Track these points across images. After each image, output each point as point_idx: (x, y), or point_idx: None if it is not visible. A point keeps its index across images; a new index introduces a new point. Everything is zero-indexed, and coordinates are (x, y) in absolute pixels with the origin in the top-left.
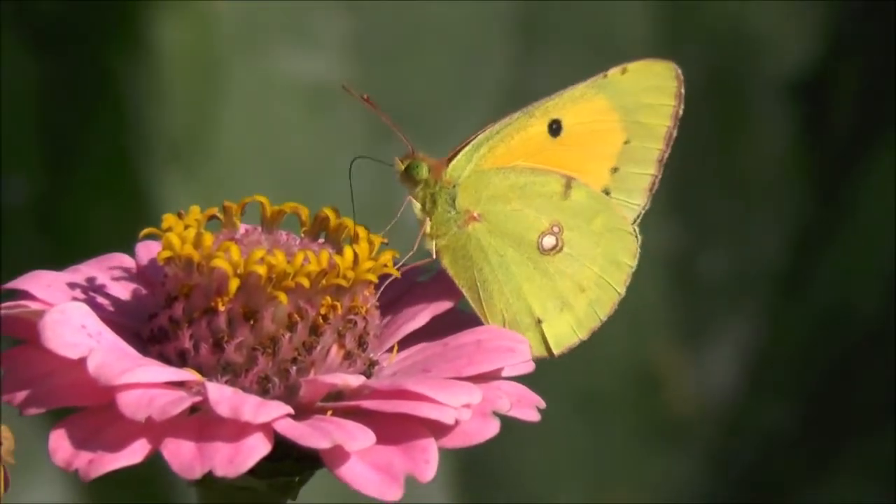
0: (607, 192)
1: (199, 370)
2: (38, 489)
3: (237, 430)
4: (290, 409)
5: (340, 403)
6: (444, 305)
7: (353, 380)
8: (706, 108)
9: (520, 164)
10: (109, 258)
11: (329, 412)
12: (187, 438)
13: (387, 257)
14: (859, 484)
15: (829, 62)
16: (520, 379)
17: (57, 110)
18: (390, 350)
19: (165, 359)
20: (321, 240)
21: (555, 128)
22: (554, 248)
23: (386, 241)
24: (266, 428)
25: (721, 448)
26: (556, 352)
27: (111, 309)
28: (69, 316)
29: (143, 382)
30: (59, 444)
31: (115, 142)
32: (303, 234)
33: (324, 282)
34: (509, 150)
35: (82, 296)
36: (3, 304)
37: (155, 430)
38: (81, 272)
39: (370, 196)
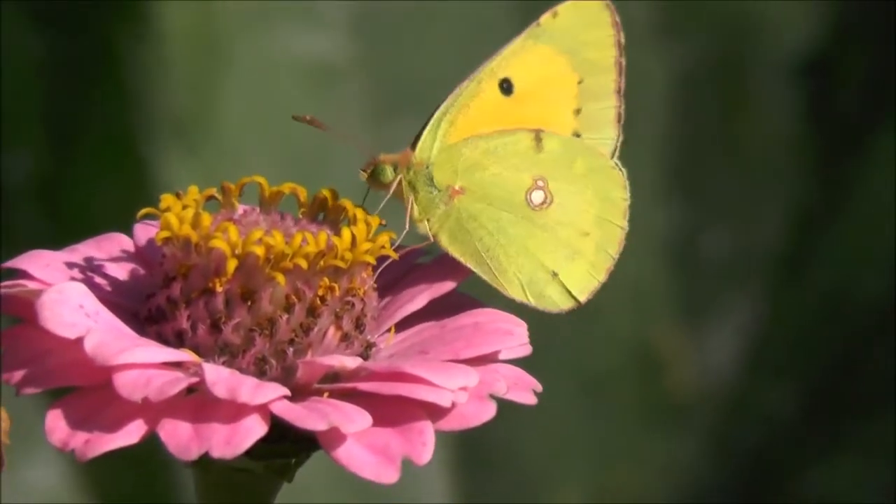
0: (577, 135)
1: (197, 351)
2: (37, 468)
3: (234, 411)
4: (286, 391)
5: (337, 385)
6: (442, 288)
7: (350, 361)
8: (710, 89)
9: (484, 130)
10: (107, 238)
11: (326, 394)
12: (184, 419)
13: (384, 239)
14: (860, 466)
15: (833, 44)
16: (521, 361)
17: (59, 87)
18: (388, 332)
19: (163, 339)
20: (320, 221)
21: (506, 86)
22: (544, 201)
23: (384, 222)
24: (263, 409)
25: (722, 430)
26: (581, 299)
27: (109, 289)
28: (67, 296)
29: (140, 363)
30: (56, 423)
31: (117, 119)
32: (301, 215)
33: (322, 263)
34: (469, 119)
35: (80, 276)
36: (2, 284)
37: (151, 410)
38: (79, 252)
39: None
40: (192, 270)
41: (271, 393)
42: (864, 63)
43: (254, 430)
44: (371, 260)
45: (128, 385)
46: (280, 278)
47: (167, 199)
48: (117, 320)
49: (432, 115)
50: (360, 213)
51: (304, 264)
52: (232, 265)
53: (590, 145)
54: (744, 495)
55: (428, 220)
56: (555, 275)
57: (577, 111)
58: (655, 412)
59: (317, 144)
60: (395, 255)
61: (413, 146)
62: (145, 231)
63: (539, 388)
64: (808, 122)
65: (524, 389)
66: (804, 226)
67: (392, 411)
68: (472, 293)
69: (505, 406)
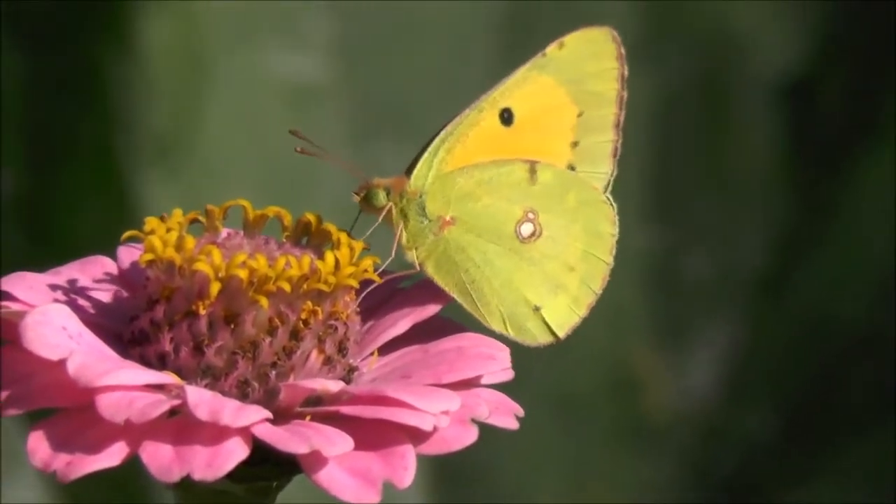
0: (572, 167)
1: (179, 373)
2: (20, 489)
3: (216, 433)
4: (268, 414)
5: (319, 408)
6: (425, 312)
7: (333, 385)
8: (692, 110)
9: (480, 160)
10: (91, 261)
11: (308, 417)
12: (166, 441)
13: (368, 263)
14: (839, 490)
15: (815, 65)
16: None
17: (43, 107)
18: (370, 356)
19: (146, 361)
20: (303, 245)
21: (506, 116)
22: (533, 234)
23: (367, 246)
24: (245, 432)
25: (700, 452)
26: (560, 334)
27: (92, 311)
28: (50, 317)
29: (123, 385)
30: (38, 445)
31: (100, 138)
32: (285, 239)
33: (305, 286)
34: (466, 148)
35: (64, 298)
36: None
37: (134, 432)
38: (63, 274)
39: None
40: (175, 293)
41: (253, 416)
42: (846, 86)
43: (235, 452)
44: (354, 284)
45: (110, 407)
46: (263, 301)
47: (151, 222)
48: (100, 342)
49: (430, 142)
50: (343, 237)
51: (287, 288)
52: (215, 288)
53: (583, 178)
54: None
55: (416, 249)
56: (537, 309)
57: (575, 144)
58: (633, 434)
59: (298, 165)
60: (378, 280)
61: (408, 172)
62: (129, 254)
63: (521, 412)
64: (789, 145)
65: (506, 414)
66: (784, 248)
67: (374, 435)
68: (455, 317)
69: (482, 427)
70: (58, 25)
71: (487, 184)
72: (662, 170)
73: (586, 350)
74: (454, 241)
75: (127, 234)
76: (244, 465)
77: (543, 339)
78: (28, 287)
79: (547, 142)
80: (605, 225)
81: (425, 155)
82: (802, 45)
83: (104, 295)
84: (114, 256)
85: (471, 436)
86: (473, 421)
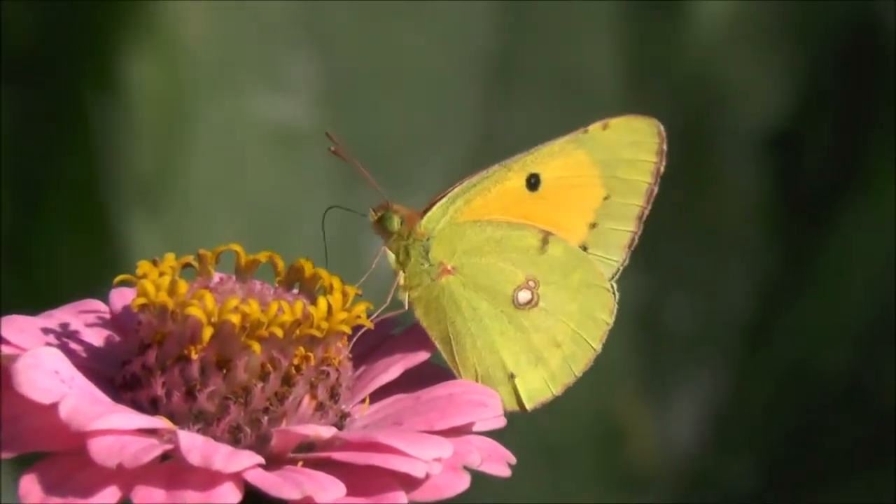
0: (585, 248)
1: (171, 418)
2: None
3: (208, 478)
4: (261, 459)
5: (312, 454)
6: (417, 358)
7: (325, 431)
8: (676, 159)
9: (496, 217)
10: (83, 304)
11: (300, 463)
12: (158, 486)
13: (360, 309)
14: None
15: (799, 116)
16: (489, 433)
17: (26, 146)
18: (362, 402)
19: (138, 406)
20: (295, 290)
21: (533, 182)
22: (529, 302)
23: (360, 292)
24: (237, 477)
25: (684, 501)
26: (528, 406)
27: (84, 355)
28: (42, 361)
29: (115, 429)
30: (31, 488)
31: (83, 179)
32: (277, 284)
33: (297, 332)
34: (486, 203)
35: (55, 341)
36: None
37: (126, 476)
38: (55, 317)
39: (339, 242)
40: (167, 338)
41: (246, 461)
42: (830, 137)
43: (227, 497)
44: (347, 330)
45: (102, 451)
46: (256, 347)
47: (143, 266)
48: (92, 386)
49: (450, 188)
50: (336, 283)
51: (279, 333)
52: (207, 333)
53: (592, 261)
54: None
55: (410, 289)
56: (512, 377)
57: (593, 225)
58: (616, 483)
59: (280, 209)
60: (370, 325)
61: (423, 213)
62: (121, 297)
63: (513, 460)
64: (773, 195)
65: (498, 461)
66: (767, 298)
67: (366, 481)
68: (445, 363)
69: (475, 474)
70: (42, 64)
71: (497, 242)
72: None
73: (570, 398)
74: (449, 290)
75: (119, 278)
76: None
77: (510, 406)
78: (20, 330)
79: (566, 216)
80: (603, 312)
81: (443, 200)
82: (787, 96)
83: (96, 339)
84: (98, 297)
85: (463, 483)
86: (465, 468)
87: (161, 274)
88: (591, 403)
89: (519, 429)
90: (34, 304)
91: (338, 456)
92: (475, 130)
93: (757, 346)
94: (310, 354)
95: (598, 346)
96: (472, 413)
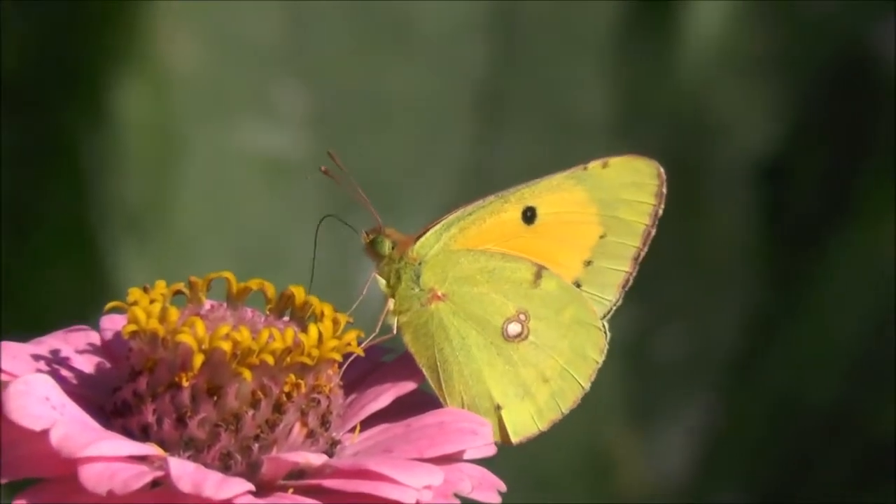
0: (578, 285)
1: (162, 445)
2: None
3: None
4: (251, 486)
5: (302, 482)
6: (407, 386)
7: (315, 458)
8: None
9: (491, 247)
10: (74, 331)
11: (290, 490)
12: None
13: (351, 336)
14: None
15: (788, 146)
16: (479, 461)
17: (14, 175)
18: (353, 429)
19: (128, 433)
20: (286, 317)
21: (529, 215)
22: (519, 335)
23: (351, 320)
24: None
25: None
26: (514, 440)
27: (75, 381)
28: (33, 387)
29: (106, 455)
30: None
31: (71, 208)
32: (268, 312)
33: (288, 359)
34: (481, 232)
35: (46, 368)
36: None
37: (116, 503)
38: (46, 344)
39: (328, 268)
40: (158, 365)
41: (236, 488)
42: (819, 167)
43: None
44: (338, 357)
45: (93, 478)
46: (247, 374)
47: (134, 293)
48: (83, 413)
49: (446, 216)
50: (327, 310)
51: (270, 360)
52: (199, 360)
53: (585, 298)
54: None
55: (399, 314)
56: (498, 408)
57: (588, 262)
58: None
59: (270, 238)
60: (360, 353)
61: (417, 238)
62: (112, 324)
63: (503, 488)
64: (763, 225)
65: (489, 489)
66: (758, 328)
67: None
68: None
69: (465, 501)
70: (31, 93)
71: (490, 273)
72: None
73: (561, 428)
74: (438, 316)
75: (110, 304)
76: None
77: (495, 439)
78: (10, 356)
79: (561, 252)
80: (593, 351)
81: (438, 226)
82: (776, 126)
83: (87, 365)
84: (86, 325)
85: None
86: (456, 496)
87: (152, 301)
88: (582, 433)
89: (509, 458)
90: (24, 334)
91: (328, 483)
92: (464, 161)
93: (747, 376)
94: (300, 382)
95: (587, 384)
96: (463, 441)
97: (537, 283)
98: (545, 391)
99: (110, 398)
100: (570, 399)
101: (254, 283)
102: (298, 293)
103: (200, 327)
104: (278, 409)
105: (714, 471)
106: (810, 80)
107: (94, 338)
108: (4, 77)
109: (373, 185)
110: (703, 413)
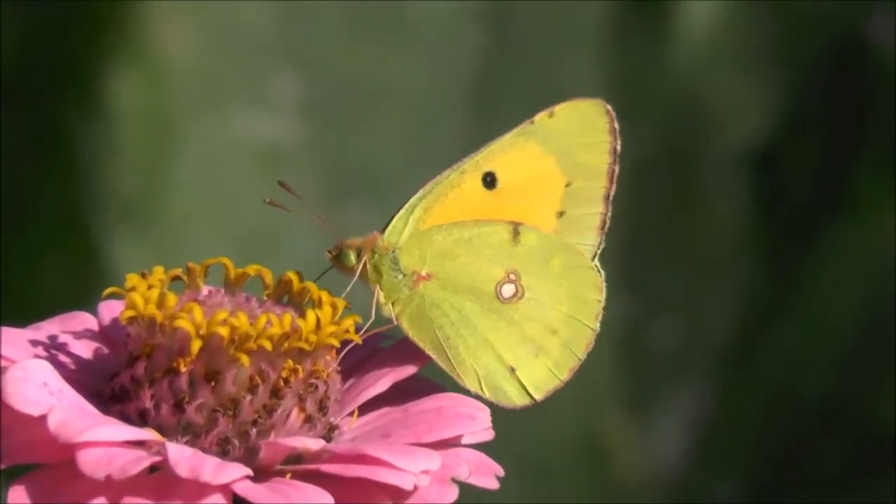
0: None
1: (160, 430)
2: None
3: (196, 490)
4: (249, 471)
5: (300, 466)
6: (405, 371)
7: (313, 443)
8: (660, 180)
9: (460, 220)
10: (72, 316)
11: (288, 475)
12: (146, 498)
13: (349, 322)
14: None
15: (783, 137)
16: (477, 447)
17: (9, 167)
18: (351, 415)
19: (126, 418)
20: (284, 303)
21: (489, 180)
22: (515, 295)
23: (349, 305)
24: (225, 489)
25: None
26: (537, 397)
27: (73, 367)
28: (31, 373)
29: (104, 441)
30: (19, 499)
31: (67, 199)
32: (266, 297)
33: (286, 345)
34: (445, 208)
35: (44, 353)
36: None
37: (114, 488)
38: (44, 330)
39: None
40: (156, 350)
41: (234, 472)
42: (814, 158)
43: None
44: (335, 343)
45: (91, 463)
46: (244, 359)
47: (132, 279)
48: (81, 398)
49: (408, 201)
50: (325, 296)
51: (268, 346)
52: (196, 346)
53: (569, 243)
54: None
55: (392, 304)
56: (513, 370)
57: (561, 213)
58: (602, 501)
59: (266, 227)
60: (358, 340)
61: (383, 230)
62: (109, 310)
63: (501, 472)
64: (757, 216)
65: (486, 474)
66: (752, 318)
67: (354, 493)
68: (436, 377)
69: (463, 487)
70: (26, 85)
71: (467, 242)
72: (631, 239)
73: (555, 416)
74: (429, 296)
75: (108, 290)
76: None
77: (520, 400)
78: (8, 342)
79: (531, 208)
80: (592, 291)
81: (401, 212)
82: (770, 117)
83: (85, 351)
84: (87, 313)
85: (451, 495)
86: (454, 480)
87: (150, 287)
88: (577, 422)
89: (504, 446)
90: (21, 324)
91: (326, 468)
92: (458, 150)
93: (741, 366)
94: (298, 367)
95: (596, 326)
96: (461, 426)
97: (517, 241)
98: (556, 342)
99: (108, 384)
100: (583, 343)
101: (251, 269)
102: (296, 279)
103: (198, 313)
104: (276, 394)
105: (709, 460)
106: (804, 71)
107: (92, 323)
108: (0, 69)
109: (366, 175)
110: (697, 402)
